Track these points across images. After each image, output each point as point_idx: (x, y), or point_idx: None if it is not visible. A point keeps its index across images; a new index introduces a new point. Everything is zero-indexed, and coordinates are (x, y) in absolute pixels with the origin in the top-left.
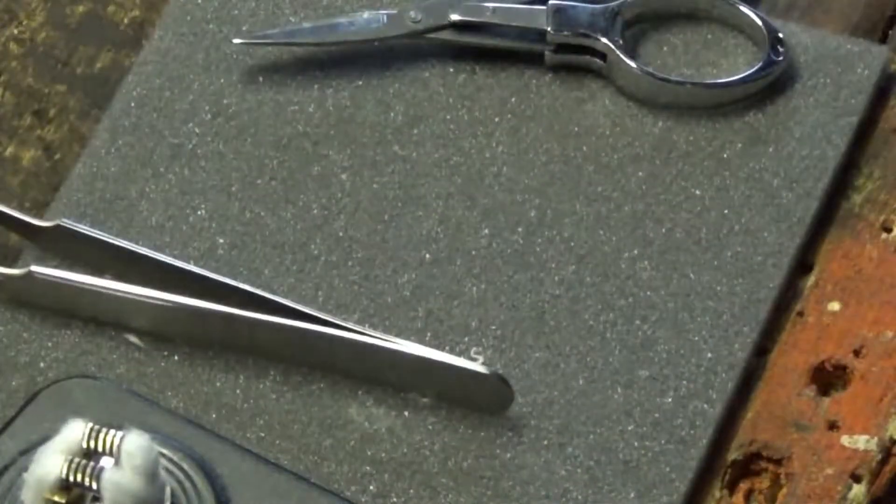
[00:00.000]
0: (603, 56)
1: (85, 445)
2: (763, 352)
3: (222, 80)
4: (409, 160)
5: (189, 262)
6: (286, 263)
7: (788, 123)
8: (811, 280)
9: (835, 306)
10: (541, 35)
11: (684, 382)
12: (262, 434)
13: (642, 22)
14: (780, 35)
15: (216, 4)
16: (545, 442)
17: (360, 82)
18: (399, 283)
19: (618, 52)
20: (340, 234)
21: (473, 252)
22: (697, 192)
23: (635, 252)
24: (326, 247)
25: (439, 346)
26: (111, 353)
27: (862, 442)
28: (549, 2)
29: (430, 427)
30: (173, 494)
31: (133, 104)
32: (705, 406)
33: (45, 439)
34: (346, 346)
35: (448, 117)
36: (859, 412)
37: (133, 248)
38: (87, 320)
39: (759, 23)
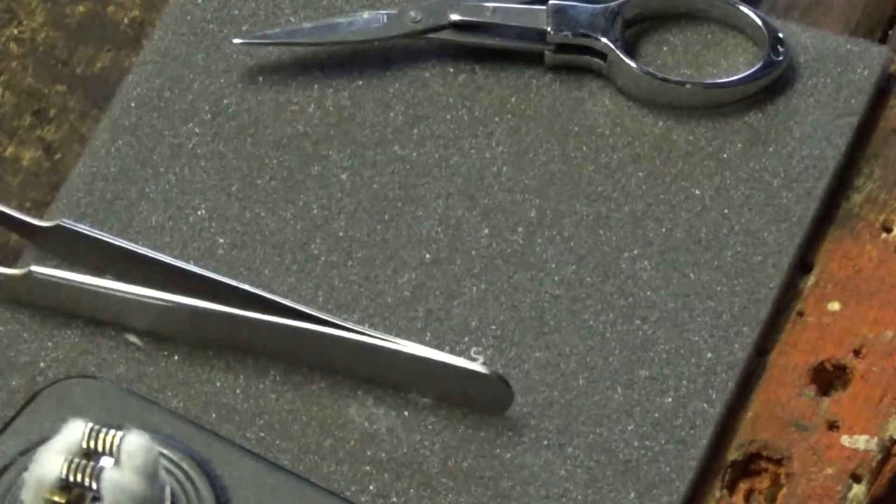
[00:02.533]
0: (603, 56)
1: (85, 445)
2: (763, 352)
3: (222, 80)
4: (409, 160)
5: (189, 262)
6: (286, 263)
7: (788, 123)
8: (811, 280)
9: (835, 306)
10: (541, 35)
11: (684, 382)
12: (262, 434)
13: (642, 22)
14: (780, 35)
15: (216, 4)
16: (545, 442)
17: (360, 82)
18: (399, 283)
19: (618, 52)
20: (340, 234)
21: (473, 252)
22: (697, 192)
23: (635, 252)
24: (326, 247)
25: (439, 346)
26: (111, 353)
27: (862, 442)
28: (549, 2)
29: (430, 427)
30: (173, 494)
31: (133, 104)
32: (705, 406)
33: (45, 439)
34: (346, 346)
35: (448, 117)
36: (859, 412)
37: (133, 248)
38: (87, 320)
39: (759, 23)
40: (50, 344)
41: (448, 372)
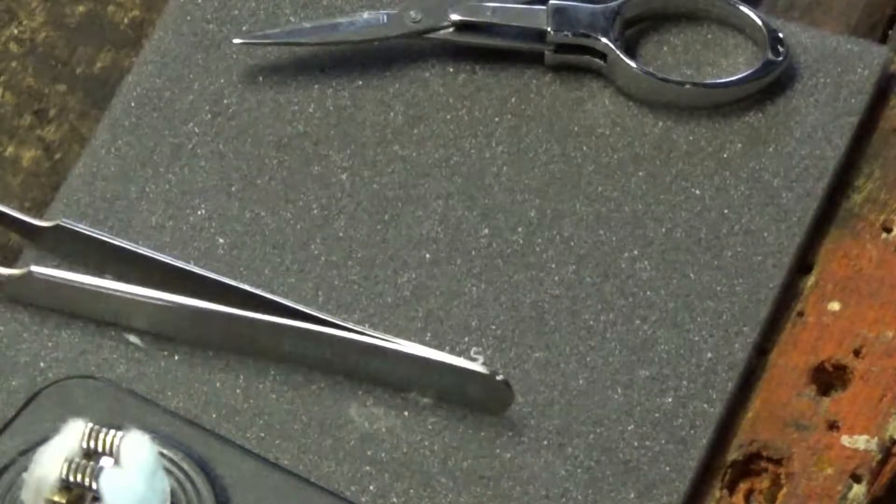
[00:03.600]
0: (603, 56)
1: (85, 445)
2: (763, 352)
3: (222, 80)
4: (409, 160)
5: (189, 262)
6: (286, 263)
7: (788, 123)
8: (811, 280)
9: (835, 306)
10: (541, 35)
11: (684, 382)
12: (262, 434)
13: (642, 22)
14: (780, 35)
15: (216, 4)
16: (545, 442)
17: (360, 82)
18: (399, 283)
19: (618, 52)
20: (340, 234)
21: (473, 252)
22: (697, 192)
23: (635, 252)
24: (326, 247)
25: (439, 346)
26: (111, 353)
27: (862, 442)
28: (549, 2)
29: (430, 427)
30: (173, 494)
31: (133, 104)
32: (705, 406)
33: (45, 439)
34: (346, 346)
35: (448, 117)
36: (859, 412)
37: (133, 248)
38: (87, 320)
39: (759, 23)
40: (50, 344)
41: (448, 372)
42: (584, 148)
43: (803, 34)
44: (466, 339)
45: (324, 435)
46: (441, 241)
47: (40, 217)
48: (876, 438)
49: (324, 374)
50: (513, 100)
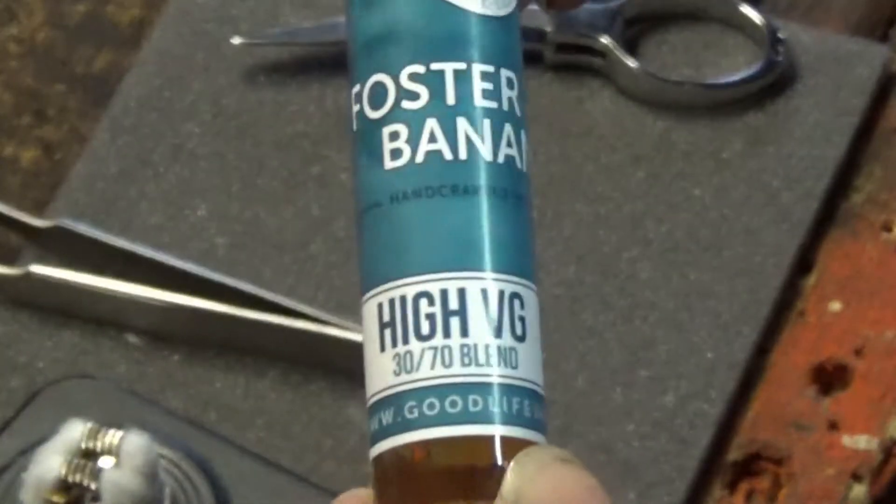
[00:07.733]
0: (603, 55)
1: (84, 445)
2: (763, 352)
3: (222, 80)
4: None
5: (189, 262)
6: (286, 263)
7: (788, 123)
8: (811, 280)
9: (835, 306)
10: (541, 35)
11: (684, 382)
12: (262, 434)
13: (642, 22)
14: (781, 35)
15: (216, 4)
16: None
17: None
18: None
19: (618, 51)
20: (340, 234)
21: None
22: (697, 192)
23: (635, 252)
24: (326, 247)
25: None
26: (111, 353)
27: (863, 442)
28: None
29: None
30: (173, 494)
31: (133, 104)
32: (705, 406)
33: (44, 439)
34: (345, 346)
35: None
36: (860, 412)
37: (133, 248)
38: (87, 320)
39: (760, 23)
40: (50, 344)
41: None
42: (584, 148)
43: (803, 34)
44: None
45: (324, 435)
46: None
47: (40, 217)
48: (877, 438)
49: (324, 374)
50: None
